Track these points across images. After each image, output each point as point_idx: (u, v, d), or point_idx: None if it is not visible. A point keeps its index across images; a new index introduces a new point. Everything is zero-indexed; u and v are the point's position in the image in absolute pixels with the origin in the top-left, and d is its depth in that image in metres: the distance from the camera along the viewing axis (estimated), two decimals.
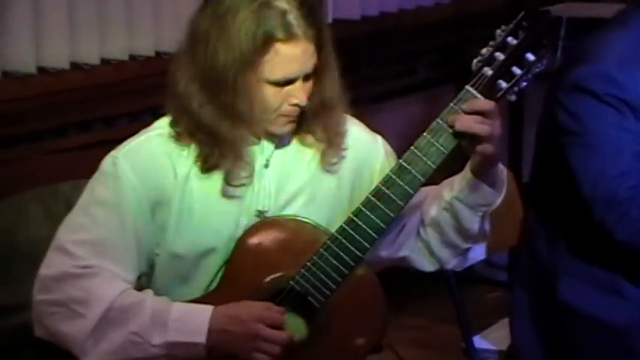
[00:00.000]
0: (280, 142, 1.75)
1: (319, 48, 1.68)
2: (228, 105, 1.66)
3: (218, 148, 1.68)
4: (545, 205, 2.06)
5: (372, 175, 1.79)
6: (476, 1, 3.73)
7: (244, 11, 1.64)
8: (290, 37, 1.64)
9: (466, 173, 1.73)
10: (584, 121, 1.92)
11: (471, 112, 1.66)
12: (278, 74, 1.66)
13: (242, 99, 1.66)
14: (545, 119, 2.05)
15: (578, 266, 2.01)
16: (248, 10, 1.64)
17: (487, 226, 1.80)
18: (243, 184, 1.70)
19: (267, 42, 1.64)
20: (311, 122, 1.73)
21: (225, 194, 1.69)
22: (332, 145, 1.74)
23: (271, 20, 1.64)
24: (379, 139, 1.84)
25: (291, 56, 1.65)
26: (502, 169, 1.77)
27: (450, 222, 1.76)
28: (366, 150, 1.81)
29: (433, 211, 1.77)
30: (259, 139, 1.73)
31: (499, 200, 1.76)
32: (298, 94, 1.68)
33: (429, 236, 1.79)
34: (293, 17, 1.65)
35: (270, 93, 1.67)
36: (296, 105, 1.68)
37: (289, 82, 1.67)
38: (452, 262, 1.82)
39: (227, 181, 1.69)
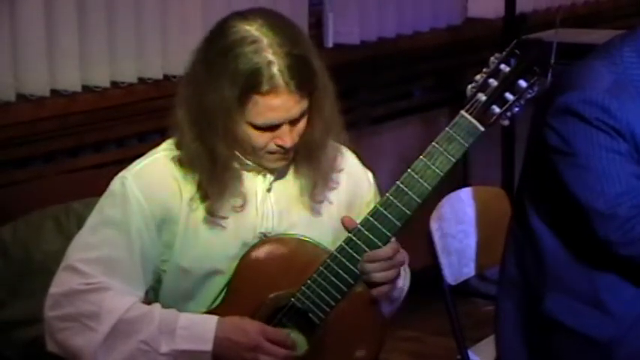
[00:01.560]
0: (278, 172, 1.74)
1: (309, 93, 1.66)
2: (211, 145, 1.66)
3: (204, 182, 1.68)
4: (531, 221, 2.06)
5: (361, 207, 1.79)
6: (470, 27, 3.75)
7: (232, 57, 1.62)
8: (270, 88, 1.62)
9: None
10: (575, 144, 1.91)
11: (374, 261, 1.67)
12: (259, 120, 1.65)
13: (223, 141, 1.65)
14: (532, 141, 2.05)
15: (563, 281, 1.99)
16: (235, 56, 1.62)
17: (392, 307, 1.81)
18: (237, 212, 1.69)
19: (247, 92, 1.62)
20: (300, 159, 1.72)
21: (214, 222, 1.68)
22: (319, 184, 1.73)
23: (255, 70, 1.62)
24: (370, 175, 1.85)
25: (271, 106, 1.63)
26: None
27: None
28: (359, 182, 1.82)
29: None
30: (260, 165, 1.73)
31: (387, 305, 1.78)
32: (284, 137, 1.66)
33: None
34: (277, 69, 1.62)
35: (255, 134, 1.66)
36: (280, 147, 1.68)
37: (273, 127, 1.66)
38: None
39: (210, 212, 1.68)
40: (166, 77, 2.79)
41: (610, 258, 1.93)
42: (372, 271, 1.68)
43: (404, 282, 1.82)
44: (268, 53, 1.63)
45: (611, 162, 1.88)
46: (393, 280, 1.71)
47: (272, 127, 1.66)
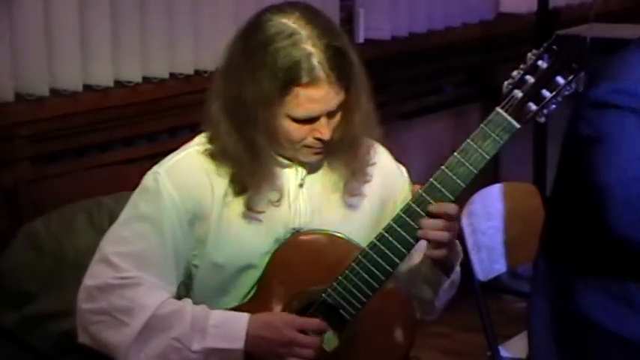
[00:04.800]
0: (311, 167, 1.74)
1: (347, 86, 1.66)
2: (250, 138, 1.65)
3: (242, 176, 1.67)
4: (562, 218, 2.03)
5: (395, 203, 1.77)
6: (502, 23, 3.71)
7: (271, 50, 1.62)
8: (311, 80, 1.62)
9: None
10: (604, 128, 1.88)
11: (437, 215, 1.65)
12: (299, 113, 1.64)
13: (262, 133, 1.65)
14: (567, 135, 2.03)
15: (594, 279, 1.96)
16: (274, 49, 1.62)
17: (440, 302, 1.79)
18: (275, 206, 1.69)
19: (287, 85, 1.62)
20: (336, 153, 1.71)
21: (248, 217, 1.68)
22: (354, 177, 1.72)
23: (295, 63, 1.61)
24: (404, 170, 1.84)
25: (312, 98, 1.63)
26: (457, 250, 1.77)
27: (412, 282, 1.77)
28: (392, 178, 1.80)
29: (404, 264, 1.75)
30: (292, 161, 1.72)
31: (447, 283, 1.76)
32: (322, 129, 1.66)
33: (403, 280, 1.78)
34: (317, 61, 1.62)
35: (293, 127, 1.66)
36: (319, 139, 1.67)
37: (312, 119, 1.66)
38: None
39: (248, 206, 1.68)
40: (197, 73, 2.78)
41: (630, 265, 1.88)
42: (431, 227, 1.64)
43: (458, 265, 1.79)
44: (307, 45, 1.62)
45: (637, 146, 1.85)
46: (447, 245, 1.67)
47: (310, 120, 1.66)
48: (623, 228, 1.85)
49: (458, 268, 1.78)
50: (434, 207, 1.65)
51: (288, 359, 1.64)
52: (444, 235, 1.65)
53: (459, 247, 1.77)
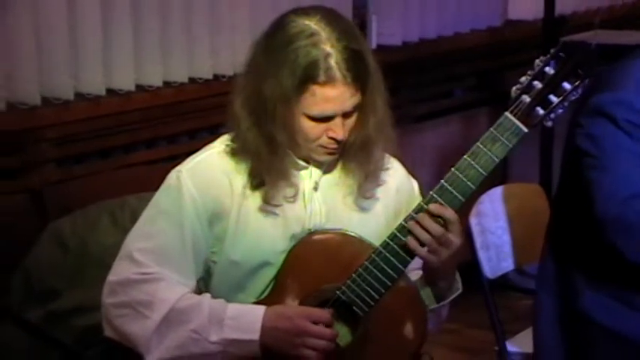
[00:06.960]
0: (326, 167, 1.75)
1: (363, 88, 1.67)
2: (269, 133, 1.67)
3: (260, 170, 1.69)
4: (566, 219, 2.03)
5: (407, 212, 1.76)
6: (510, 29, 3.71)
7: (291, 49, 1.64)
8: (328, 79, 1.63)
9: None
10: (599, 143, 1.88)
11: (435, 215, 1.65)
12: (314, 111, 1.66)
13: (281, 129, 1.66)
14: (567, 141, 2.04)
15: (598, 279, 1.96)
16: (295, 47, 1.64)
17: (433, 324, 1.78)
18: (289, 202, 1.70)
19: (305, 82, 1.64)
20: (351, 155, 1.72)
21: (265, 211, 1.70)
22: (368, 180, 1.73)
23: (313, 62, 1.63)
24: (415, 185, 1.85)
25: (327, 97, 1.64)
26: (454, 284, 1.76)
27: None
28: (405, 187, 1.82)
29: None
30: (308, 162, 1.74)
31: (435, 308, 1.75)
32: (337, 129, 1.67)
33: None
34: (334, 61, 1.63)
35: (309, 125, 1.67)
36: (333, 139, 1.68)
37: (327, 118, 1.67)
38: None
39: (265, 200, 1.70)
40: (216, 77, 2.80)
41: (627, 270, 1.89)
42: (422, 223, 1.63)
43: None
44: (326, 46, 1.64)
45: (629, 165, 1.84)
46: (434, 252, 1.66)
47: (326, 119, 1.67)
48: (618, 245, 1.85)
49: (447, 306, 1.77)
50: (434, 207, 1.65)
51: (301, 349, 1.66)
52: (426, 237, 1.65)
53: (459, 282, 1.76)
